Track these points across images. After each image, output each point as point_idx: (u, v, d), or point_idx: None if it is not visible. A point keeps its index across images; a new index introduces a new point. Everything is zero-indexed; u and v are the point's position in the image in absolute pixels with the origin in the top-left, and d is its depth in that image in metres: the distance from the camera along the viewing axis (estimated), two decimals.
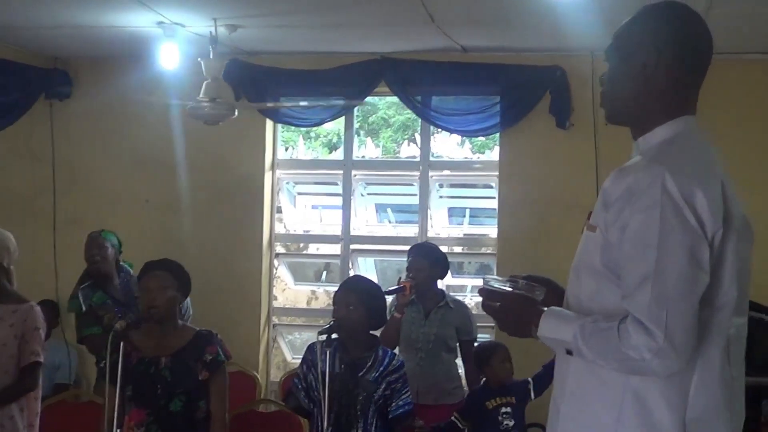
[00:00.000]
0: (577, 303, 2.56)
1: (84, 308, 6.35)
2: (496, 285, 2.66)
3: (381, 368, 4.59)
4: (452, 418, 5.48)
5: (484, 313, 2.73)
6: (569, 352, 2.48)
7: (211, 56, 6.69)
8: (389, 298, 5.86)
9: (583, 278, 2.55)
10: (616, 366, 2.38)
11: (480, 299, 2.72)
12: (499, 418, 5.40)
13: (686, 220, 2.30)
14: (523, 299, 2.61)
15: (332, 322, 4.52)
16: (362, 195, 8.58)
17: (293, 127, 8.27)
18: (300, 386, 4.66)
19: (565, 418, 2.57)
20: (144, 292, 4.74)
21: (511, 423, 5.39)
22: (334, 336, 4.41)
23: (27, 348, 4.92)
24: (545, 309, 2.55)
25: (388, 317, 5.98)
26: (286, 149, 8.51)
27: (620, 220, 2.37)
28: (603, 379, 2.45)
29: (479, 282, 2.74)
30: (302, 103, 7.77)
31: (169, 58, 6.85)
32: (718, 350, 2.42)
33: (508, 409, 5.41)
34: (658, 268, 2.30)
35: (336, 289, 4.85)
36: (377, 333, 4.99)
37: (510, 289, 2.62)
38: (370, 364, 4.59)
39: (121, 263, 6.56)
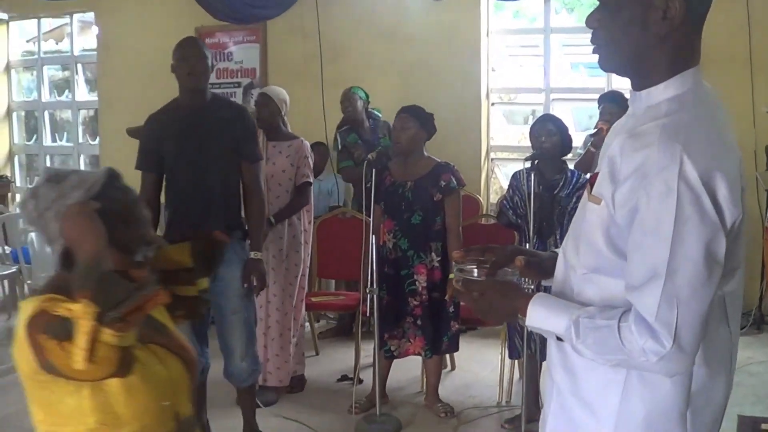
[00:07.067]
0: (572, 274, 1.87)
1: (340, 147, 6.56)
2: (467, 274, 1.94)
3: (571, 186, 4.53)
4: None
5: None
6: (559, 339, 1.81)
7: None
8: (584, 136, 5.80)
9: (583, 251, 1.83)
10: (613, 365, 1.74)
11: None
12: None
13: (705, 211, 1.61)
14: (504, 286, 1.92)
15: (534, 152, 4.50)
16: (559, 55, 8.32)
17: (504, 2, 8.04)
18: (508, 206, 4.66)
19: (562, 395, 1.90)
20: (393, 131, 4.89)
21: None
22: (535, 162, 4.41)
23: (299, 172, 5.16)
24: (533, 295, 1.85)
25: (583, 151, 5.93)
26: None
27: (631, 202, 1.67)
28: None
29: None
30: None
31: None
32: (716, 320, 1.76)
33: None
34: (671, 264, 1.62)
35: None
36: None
37: (482, 278, 1.93)
38: (562, 183, 4.54)
39: (369, 110, 6.71)
